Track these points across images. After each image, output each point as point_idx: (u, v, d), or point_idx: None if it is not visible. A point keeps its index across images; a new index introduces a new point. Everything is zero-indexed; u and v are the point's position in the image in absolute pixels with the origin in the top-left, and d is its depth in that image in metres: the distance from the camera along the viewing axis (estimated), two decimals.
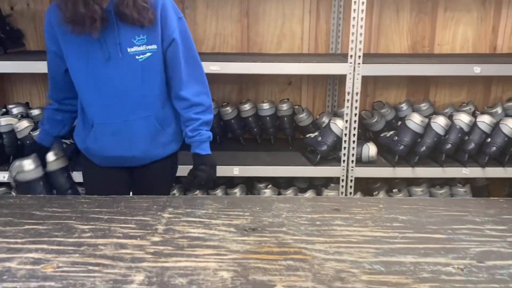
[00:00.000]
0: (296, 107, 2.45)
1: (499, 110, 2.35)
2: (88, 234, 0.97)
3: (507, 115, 2.31)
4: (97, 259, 0.87)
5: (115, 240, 0.95)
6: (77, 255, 0.89)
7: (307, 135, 2.29)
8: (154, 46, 1.42)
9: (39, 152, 1.56)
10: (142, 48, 1.40)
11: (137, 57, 1.40)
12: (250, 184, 2.39)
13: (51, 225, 1.02)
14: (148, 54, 1.41)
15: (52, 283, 0.80)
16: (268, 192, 2.29)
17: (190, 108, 1.54)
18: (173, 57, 1.47)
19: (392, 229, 0.98)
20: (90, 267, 0.85)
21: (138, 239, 0.95)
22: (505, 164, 2.19)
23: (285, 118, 2.39)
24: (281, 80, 2.58)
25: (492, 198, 1.17)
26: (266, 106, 2.36)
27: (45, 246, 0.92)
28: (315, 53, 2.53)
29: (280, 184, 2.42)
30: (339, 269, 0.84)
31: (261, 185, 2.35)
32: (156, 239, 0.95)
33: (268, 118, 2.37)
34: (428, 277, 0.81)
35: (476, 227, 0.99)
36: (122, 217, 1.05)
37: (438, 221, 1.02)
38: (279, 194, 2.29)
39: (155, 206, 1.11)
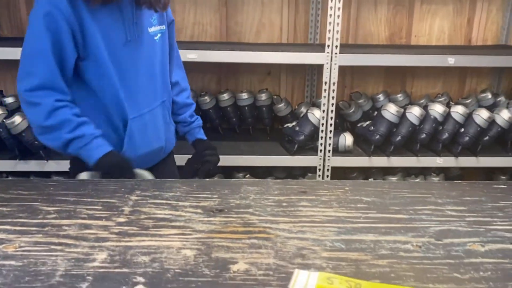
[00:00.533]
0: (275, 97, 2.46)
1: (473, 101, 2.40)
2: (53, 216, 0.97)
3: (480, 106, 2.36)
4: (60, 239, 0.87)
5: (80, 221, 0.94)
6: (40, 235, 0.89)
7: (285, 125, 2.30)
8: (163, 27, 1.38)
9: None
10: (157, 28, 1.35)
11: (155, 37, 1.35)
12: (229, 174, 2.40)
13: (16, 207, 1.01)
14: (159, 35, 1.37)
15: (13, 262, 0.79)
16: None
17: (182, 93, 1.52)
18: (171, 37, 1.46)
19: (356, 209, 1.00)
20: (53, 247, 0.84)
21: (104, 220, 0.95)
22: (477, 154, 2.24)
23: (264, 108, 2.40)
24: (260, 70, 2.58)
25: (455, 181, 1.19)
26: (244, 96, 2.37)
27: (7, 227, 0.91)
28: (294, 43, 2.54)
29: (258, 174, 2.43)
30: (300, 246, 0.85)
31: (240, 175, 2.36)
32: (121, 220, 0.95)
33: (246, 108, 2.38)
34: (387, 253, 0.83)
35: (438, 208, 1.01)
36: (88, 199, 1.05)
37: (402, 202, 1.04)
38: None
39: (122, 189, 1.10)
